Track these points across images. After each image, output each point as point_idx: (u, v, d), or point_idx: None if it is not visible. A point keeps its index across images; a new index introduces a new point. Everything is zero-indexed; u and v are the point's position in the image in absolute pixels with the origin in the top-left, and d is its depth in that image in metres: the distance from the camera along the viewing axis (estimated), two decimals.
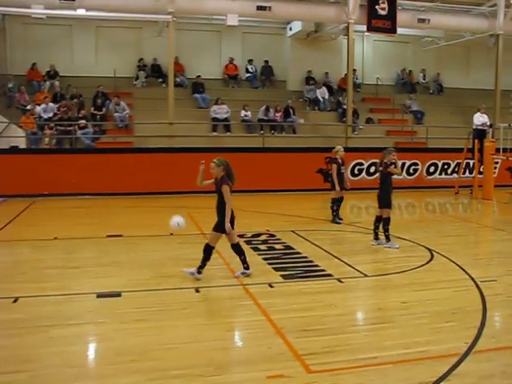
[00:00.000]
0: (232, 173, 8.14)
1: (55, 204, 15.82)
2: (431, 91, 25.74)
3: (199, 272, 8.08)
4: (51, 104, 19.12)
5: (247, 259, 8.33)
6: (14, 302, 7.09)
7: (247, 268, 8.26)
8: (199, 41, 22.84)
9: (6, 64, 21.50)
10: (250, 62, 23.63)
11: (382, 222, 10.48)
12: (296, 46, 23.47)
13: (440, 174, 20.55)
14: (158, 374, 5.08)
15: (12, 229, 12.24)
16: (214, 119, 20.18)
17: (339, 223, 12.93)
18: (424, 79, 25.97)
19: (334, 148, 13.26)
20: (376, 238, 10.66)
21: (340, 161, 12.96)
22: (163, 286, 7.83)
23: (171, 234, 11.49)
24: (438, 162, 20.45)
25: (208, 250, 8.12)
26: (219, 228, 8.05)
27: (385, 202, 10.45)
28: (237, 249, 8.28)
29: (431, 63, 25.91)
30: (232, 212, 8.06)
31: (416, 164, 20.02)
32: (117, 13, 18.95)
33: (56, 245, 10.71)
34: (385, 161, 10.48)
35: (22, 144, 18.09)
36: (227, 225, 7.92)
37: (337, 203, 13.11)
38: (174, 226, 8.33)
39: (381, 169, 10.59)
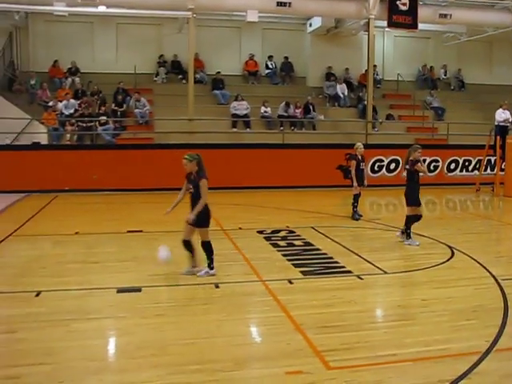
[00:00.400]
0: (204, 167, 8.15)
1: (76, 199, 15.97)
2: (452, 87, 25.50)
3: (211, 268, 8.06)
4: (72, 100, 19.30)
5: (213, 257, 8.18)
6: (37, 295, 7.17)
7: (212, 268, 8.08)
8: (219, 37, 22.86)
9: (29, 61, 21.75)
10: (270, 58, 23.60)
11: (405, 219, 10.41)
12: (316, 41, 23.40)
13: (461, 170, 20.37)
14: (178, 368, 5.10)
15: (34, 224, 12.38)
16: (234, 115, 20.21)
17: (357, 219, 12.91)
18: (445, 75, 25.72)
19: (354, 145, 13.25)
20: (408, 236, 10.54)
21: (359, 157, 12.93)
22: (183, 282, 7.87)
23: None
24: (458, 159, 20.27)
25: (208, 246, 8.08)
26: (202, 223, 8.01)
27: (412, 200, 10.34)
28: (207, 247, 8.12)
29: (452, 59, 25.64)
30: (208, 208, 8.04)
31: (437, 161, 19.87)
32: (137, 9, 19.06)
33: (77, 240, 10.81)
34: (410, 158, 10.33)
35: (43, 140, 18.30)
36: (191, 216, 7.87)
37: (356, 199, 13.09)
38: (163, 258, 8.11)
39: (407, 167, 10.42)
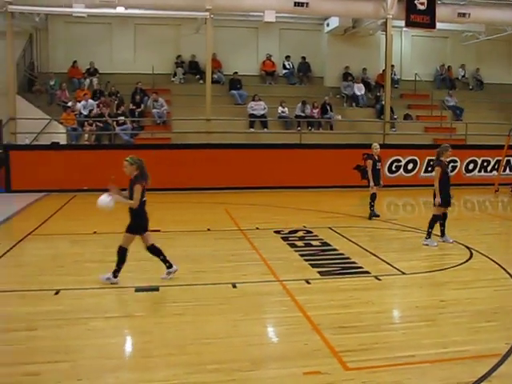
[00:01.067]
0: (146, 172, 7.92)
1: (94, 199, 15.92)
2: (471, 87, 25.27)
3: (115, 276, 7.74)
4: (91, 101, 19.43)
5: (167, 258, 8.03)
6: (55, 294, 7.24)
7: (170, 266, 7.94)
8: (236, 37, 22.87)
9: (48, 62, 21.94)
10: (287, 58, 23.57)
11: (431, 218, 10.39)
12: (333, 41, 23.33)
13: (479, 171, 20.20)
14: (196, 367, 5.12)
15: (52, 223, 12.49)
16: (251, 115, 20.22)
17: (371, 218, 12.91)
18: (463, 75, 25.50)
19: (371, 145, 13.26)
20: (442, 235, 10.57)
21: (376, 157, 12.91)
22: (200, 281, 7.89)
23: (208, 229, 11.63)
24: (477, 159, 20.10)
25: (122, 253, 7.81)
26: (131, 229, 7.80)
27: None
28: (153, 250, 7.95)
29: (471, 58, 25.40)
30: (145, 214, 7.84)
31: (455, 161, 19.69)
32: (155, 10, 19.15)
33: (95, 239, 10.89)
34: (441, 158, 10.26)
35: (62, 140, 18.45)
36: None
37: (373, 199, 13.07)
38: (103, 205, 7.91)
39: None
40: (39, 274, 8.10)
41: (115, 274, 7.74)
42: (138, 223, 7.76)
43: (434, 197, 10.20)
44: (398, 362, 5.26)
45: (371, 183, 12.84)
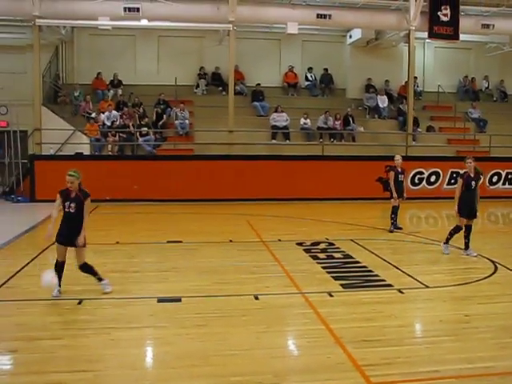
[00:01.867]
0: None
1: (117, 209, 16.20)
2: (495, 98, 25.04)
3: (102, 279, 7.82)
4: (114, 112, 19.63)
5: (96, 273, 7.84)
6: (79, 303, 7.31)
7: (100, 279, 7.81)
8: (259, 49, 22.96)
9: (73, 74, 22.25)
10: (310, 70, 23.60)
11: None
12: (356, 53, 23.32)
13: (503, 183, 19.99)
14: (218, 379, 5.12)
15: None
16: (274, 127, 20.24)
17: (392, 231, 12.87)
18: (487, 86, 25.29)
19: (394, 157, 13.26)
20: (466, 247, 10.57)
21: (398, 169, 12.87)
22: (223, 293, 7.89)
23: (230, 241, 11.66)
24: (501, 172, 19.90)
25: (86, 269, 7.76)
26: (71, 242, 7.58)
27: (460, 210, 10.34)
28: (86, 269, 7.77)
29: (495, 70, 25.18)
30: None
31: None
32: (179, 22, 19.30)
33: (117, 249, 10.98)
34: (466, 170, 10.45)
35: (86, 151, 18.64)
36: (82, 239, 7.52)
37: (394, 211, 13.00)
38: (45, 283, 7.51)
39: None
40: (63, 284, 8.15)
41: (100, 279, 7.85)
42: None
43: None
44: (421, 377, 5.21)
45: (393, 195, 12.80)
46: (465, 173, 10.37)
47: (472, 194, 10.35)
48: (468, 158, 10.51)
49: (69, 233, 7.54)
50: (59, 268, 7.63)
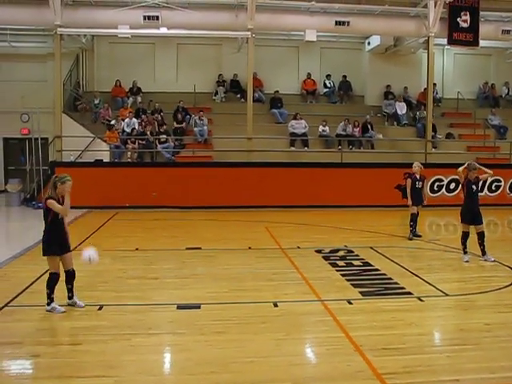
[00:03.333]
0: None
1: (136, 216, 16.30)
2: None
3: (48, 304, 7.34)
4: (134, 119, 19.79)
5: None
6: (99, 309, 7.36)
7: (49, 304, 7.33)
8: (277, 56, 23.03)
9: (94, 81, 22.50)
10: (328, 77, 23.59)
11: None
12: (374, 60, 23.28)
13: None
14: None
15: (95, 239, 12.69)
16: (292, 134, 20.26)
17: (411, 239, 12.79)
18: (507, 92, 25.05)
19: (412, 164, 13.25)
20: (482, 254, 10.59)
21: (416, 176, 12.82)
22: (241, 300, 7.90)
23: (249, 248, 11.67)
24: None
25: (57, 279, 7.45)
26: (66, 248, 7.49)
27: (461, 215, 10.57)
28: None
29: None
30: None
31: (498, 181, 19.34)
32: (197, 30, 19.44)
33: (137, 256, 11.03)
34: (468, 177, 10.53)
35: (106, 158, 18.82)
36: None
37: (413, 219, 12.95)
38: (85, 259, 7.64)
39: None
40: (83, 289, 8.21)
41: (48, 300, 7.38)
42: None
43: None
44: None
45: (409, 202, 12.79)
46: (465, 179, 10.52)
47: (474, 199, 10.45)
48: (471, 164, 10.62)
49: (62, 240, 7.44)
50: (56, 281, 7.37)
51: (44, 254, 7.39)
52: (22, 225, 15.61)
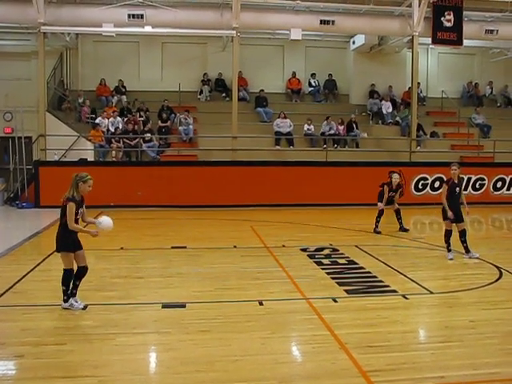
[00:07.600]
0: None
1: (121, 215, 16.13)
2: (498, 104, 25.02)
3: (65, 301, 7.36)
4: (119, 118, 19.69)
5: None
6: (84, 309, 7.31)
7: (66, 300, 7.37)
8: (262, 55, 23.04)
9: (78, 80, 22.36)
10: (313, 75, 23.66)
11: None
12: (359, 59, 23.38)
13: (508, 189, 19.98)
14: None
15: (80, 238, 12.54)
16: (277, 133, 20.27)
17: (379, 232, 13.46)
18: (491, 92, 25.27)
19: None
20: (466, 251, 10.75)
21: (393, 186, 13.68)
22: (227, 299, 7.88)
23: (235, 246, 11.66)
24: (505, 177, 19.88)
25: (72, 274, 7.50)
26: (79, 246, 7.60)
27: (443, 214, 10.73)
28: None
29: (499, 75, 25.19)
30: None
31: (482, 179, 19.53)
32: (182, 29, 19.38)
33: (121, 255, 10.98)
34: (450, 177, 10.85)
35: (90, 157, 18.70)
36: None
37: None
38: (99, 221, 7.89)
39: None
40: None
41: (65, 297, 7.40)
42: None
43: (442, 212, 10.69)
44: (426, 382, 5.19)
45: (379, 204, 13.55)
46: (449, 179, 10.70)
47: (456, 200, 10.66)
48: (453, 165, 10.78)
49: (76, 237, 7.61)
50: (71, 277, 7.41)
51: (58, 251, 7.45)
52: (5, 225, 15.45)
